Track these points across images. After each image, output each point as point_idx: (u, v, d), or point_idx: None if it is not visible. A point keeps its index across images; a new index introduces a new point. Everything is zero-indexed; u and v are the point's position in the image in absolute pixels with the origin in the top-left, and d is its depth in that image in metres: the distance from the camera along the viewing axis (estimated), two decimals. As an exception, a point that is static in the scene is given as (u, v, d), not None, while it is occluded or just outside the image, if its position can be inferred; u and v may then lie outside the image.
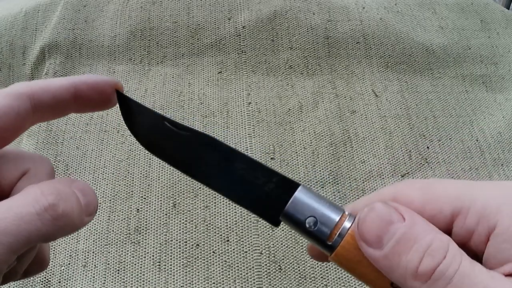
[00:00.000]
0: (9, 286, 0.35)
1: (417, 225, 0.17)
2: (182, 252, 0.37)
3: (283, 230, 0.38)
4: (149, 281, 0.35)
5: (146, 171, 0.41)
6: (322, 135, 0.43)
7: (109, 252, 0.37)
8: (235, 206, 0.39)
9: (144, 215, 0.38)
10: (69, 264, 0.36)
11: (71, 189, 0.18)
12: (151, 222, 0.38)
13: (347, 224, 0.19)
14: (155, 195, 0.39)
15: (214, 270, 0.36)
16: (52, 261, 0.37)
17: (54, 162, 0.41)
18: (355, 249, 0.18)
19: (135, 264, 0.36)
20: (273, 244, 0.37)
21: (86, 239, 0.37)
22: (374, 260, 0.17)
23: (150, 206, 0.39)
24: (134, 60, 0.48)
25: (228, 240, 0.37)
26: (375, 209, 0.18)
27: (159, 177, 0.40)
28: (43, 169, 0.19)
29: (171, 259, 0.36)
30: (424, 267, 0.16)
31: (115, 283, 0.35)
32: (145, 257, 0.37)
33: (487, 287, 0.15)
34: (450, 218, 0.17)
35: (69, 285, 0.35)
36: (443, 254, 0.16)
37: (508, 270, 0.16)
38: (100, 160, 0.41)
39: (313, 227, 0.19)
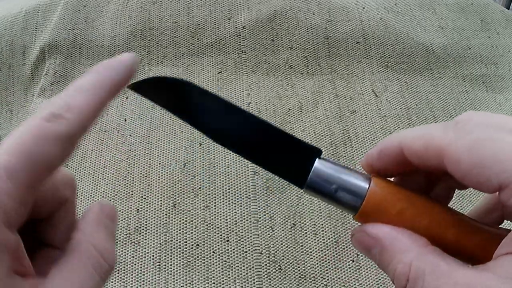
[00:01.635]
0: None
1: (386, 251, 0.18)
2: (182, 252, 0.37)
3: (283, 230, 0.38)
4: (149, 281, 0.35)
5: (146, 171, 0.41)
6: (322, 135, 0.43)
7: (109, 252, 0.37)
8: (235, 206, 0.39)
9: (144, 215, 0.38)
10: (69, 264, 0.36)
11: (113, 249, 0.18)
12: (151, 222, 0.38)
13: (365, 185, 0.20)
14: (155, 195, 0.39)
15: (214, 270, 0.36)
16: (52, 261, 0.37)
17: (54, 162, 0.41)
18: (377, 207, 0.19)
19: (135, 264, 0.36)
20: (273, 244, 0.37)
21: (86, 239, 0.37)
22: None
23: (150, 206, 0.39)
24: (134, 60, 0.48)
25: (228, 240, 0.37)
26: (354, 239, 0.20)
27: (159, 177, 0.40)
28: (75, 195, 0.19)
29: (171, 259, 0.36)
30: (397, 286, 0.18)
31: (115, 283, 0.35)
32: (145, 257, 0.36)
33: None
34: (496, 188, 0.17)
35: (69, 285, 0.35)
36: (405, 280, 0.17)
37: (505, 250, 0.16)
38: (100, 160, 0.41)
39: (337, 193, 0.20)
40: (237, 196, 0.39)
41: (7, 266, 0.14)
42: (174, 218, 0.38)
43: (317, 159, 0.21)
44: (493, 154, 0.16)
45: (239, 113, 0.21)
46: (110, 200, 0.39)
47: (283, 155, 0.21)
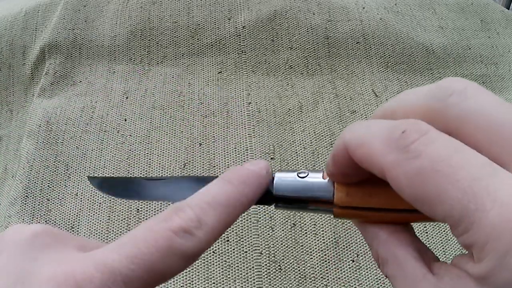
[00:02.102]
0: None
1: (366, 233, 0.19)
2: (182, 252, 0.37)
3: (283, 230, 0.38)
4: (149, 281, 0.35)
5: (146, 171, 0.41)
6: (322, 135, 0.43)
7: (109, 252, 0.37)
8: (235, 206, 0.39)
9: (144, 215, 0.38)
10: (69, 264, 0.36)
11: None
12: (151, 222, 0.38)
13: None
14: (155, 195, 0.39)
15: (214, 270, 0.36)
16: (52, 261, 0.37)
17: (54, 162, 0.41)
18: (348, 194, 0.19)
19: (135, 264, 0.36)
20: (273, 244, 0.37)
21: (86, 239, 0.37)
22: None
23: (150, 206, 0.39)
24: (134, 60, 0.48)
25: (228, 240, 0.37)
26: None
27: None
28: None
29: (171, 259, 0.36)
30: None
31: (115, 283, 0.35)
32: (145, 257, 0.37)
33: None
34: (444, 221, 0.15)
35: (69, 285, 0.35)
36: (377, 262, 0.18)
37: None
38: (100, 160, 0.41)
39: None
40: (237, 196, 0.39)
41: None
42: (174, 218, 0.38)
43: (275, 174, 0.20)
44: (437, 192, 0.14)
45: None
46: (110, 200, 0.39)
47: None
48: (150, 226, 0.15)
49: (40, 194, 0.40)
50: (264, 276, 0.36)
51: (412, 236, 0.18)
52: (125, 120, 0.44)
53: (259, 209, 0.39)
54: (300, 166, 0.41)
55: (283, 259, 0.36)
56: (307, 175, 0.20)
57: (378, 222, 0.18)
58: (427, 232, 0.39)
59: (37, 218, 0.38)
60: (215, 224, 0.15)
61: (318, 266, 0.36)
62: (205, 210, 0.15)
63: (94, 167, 0.41)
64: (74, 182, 0.40)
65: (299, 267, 0.36)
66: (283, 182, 0.20)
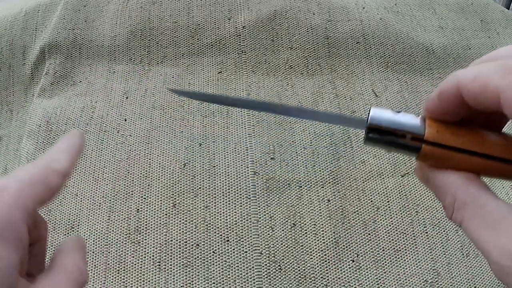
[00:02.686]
0: None
1: (440, 187, 0.20)
2: (182, 252, 0.37)
3: (283, 230, 0.38)
4: (149, 281, 0.35)
5: (146, 171, 0.41)
6: (322, 135, 0.43)
7: (109, 252, 0.37)
8: (235, 206, 0.39)
9: (144, 215, 0.38)
10: (69, 264, 0.36)
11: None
12: (151, 222, 0.38)
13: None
14: (155, 195, 0.39)
15: (214, 270, 0.36)
16: (52, 261, 0.37)
17: (54, 162, 0.41)
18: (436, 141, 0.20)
19: (135, 264, 0.36)
20: (273, 244, 0.37)
21: (86, 239, 0.37)
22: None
23: (150, 206, 0.39)
24: (134, 60, 0.48)
25: (228, 240, 0.37)
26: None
27: (159, 177, 0.40)
28: (47, 236, 0.24)
29: (171, 259, 0.36)
30: (447, 215, 0.20)
31: (115, 283, 0.35)
32: (145, 257, 0.36)
33: (480, 242, 0.18)
34: None
35: (69, 285, 0.35)
36: (451, 210, 0.19)
37: None
38: (100, 160, 0.41)
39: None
40: (237, 196, 0.39)
41: (18, 259, 0.17)
42: (174, 218, 0.38)
43: (371, 108, 0.21)
44: None
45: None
46: (110, 200, 0.39)
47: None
48: (36, 161, 0.21)
49: (40, 194, 0.40)
50: (264, 276, 0.36)
51: (485, 183, 0.20)
52: (125, 120, 0.44)
53: (259, 209, 0.39)
54: (300, 166, 0.41)
55: (283, 259, 0.36)
56: (400, 112, 0.21)
57: (457, 168, 0.20)
58: (427, 232, 0.39)
59: (37, 218, 0.39)
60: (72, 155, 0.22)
61: (318, 266, 0.36)
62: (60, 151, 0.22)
63: (94, 167, 0.41)
64: (74, 182, 0.40)
65: (299, 267, 0.36)
66: (378, 114, 0.21)
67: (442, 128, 0.20)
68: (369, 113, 0.21)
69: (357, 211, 0.39)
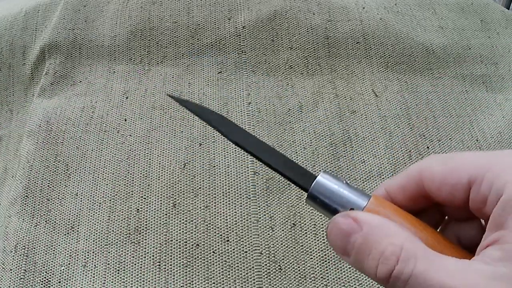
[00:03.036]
0: (9, 287, 0.35)
1: (372, 232, 0.18)
2: (182, 252, 0.37)
3: (283, 230, 0.38)
4: (149, 281, 0.35)
5: (146, 171, 0.41)
6: (322, 135, 0.43)
7: (109, 252, 0.37)
8: (235, 206, 0.39)
9: (144, 215, 0.38)
10: (69, 264, 0.36)
11: None
12: (151, 222, 0.38)
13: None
14: (155, 195, 0.39)
15: (214, 270, 0.36)
16: (52, 261, 0.37)
17: (54, 162, 0.41)
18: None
19: (135, 264, 0.36)
20: (273, 244, 0.37)
21: (86, 239, 0.37)
22: (349, 263, 0.20)
23: (150, 206, 0.39)
24: (134, 60, 0.48)
25: (228, 240, 0.37)
26: (335, 222, 0.20)
27: (159, 177, 0.40)
28: None
29: (171, 259, 0.36)
30: (380, 273, 0.18)
31: (115, 283, 0.35)
32: (145, 257, 0.36)
33: (443, 285, 0.16)
34: (467, 186, 0.19)
35: (69, 285, 0.35)
36: (395, 260, 0.17)
37: (493, 238, 0.17)
38: (100, 160, 0.41)
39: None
40: (237, 196, 0.39)
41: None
42: (174, 218, 0.38)
43: (320, 174, 0.21)
44: (457, 163, 0.19)
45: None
46: (110, 200, 0.39)
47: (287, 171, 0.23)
48: None
49: (40, 194, 0.40)
50: (264, 276, 0.36)
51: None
52: (125, 120, 0.44)
53: (259, 209, 0.39)
54: (300, 166, 0.41)
55: (283, 259, 0.36)
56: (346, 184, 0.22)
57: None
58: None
59: (37, 218, 0.39)
60: None
61: (318, 266, 0.36)
62: None
63: (94, 167, 0.41)
64: (74, 182, 0.40)
65: (299, 267, 0.36)
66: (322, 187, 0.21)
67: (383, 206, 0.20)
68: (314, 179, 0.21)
69: (357, 211, 0.39)
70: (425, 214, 0.22)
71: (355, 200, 0.20)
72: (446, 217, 0.23)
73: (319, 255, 0.37)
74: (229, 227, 0.38)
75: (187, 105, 0.26)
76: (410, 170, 0.21)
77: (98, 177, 0.40)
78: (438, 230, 0.23)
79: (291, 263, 0.36)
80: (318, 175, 0.21)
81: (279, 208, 0.39)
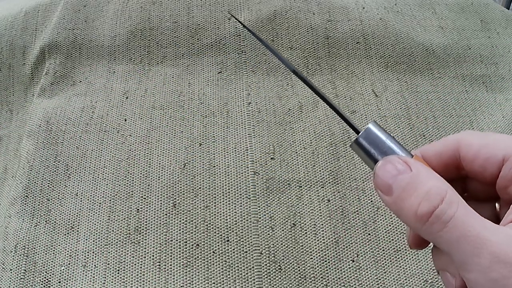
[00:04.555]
0: (9, 287, 0.35)
1: (420, 175, 0.19)
2: (182, 252, 0.37)
3: (283, 230, 0.38)
4: (149, 281, 0.35)
5: (146, 171, 0.41)
6: (322, 135, 0.43)
7: (109, 252, 0.37)
8: (235, 206, 0.39)
9: (144, 215, 0.38)
10: (69, 264, 0.36)
11: None
12: (151, 222, 0.38)
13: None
14: (155, 195, 0.39)
15: (214, 270, 0.36)
16: (52, 261, 0.37)
17: (54, 162, 0.41)
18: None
19: (135, 264, 0.36)
20: (273, 244, 0.37)
21: (86, 239, 0.37)
22: (387, 204, 0.20)
23: (150, 206, 0.39)
24: (134, 60, 0.48)
25: (228, 240, 0.37)
26: (387, 160, 0.21)
27: (159, 177, 0.40)
28: None
29: (171, 259, 0.36)
30: (422, 210, 0.18)
31: (115, 283, 0.35)
32: (145, 257, 0.36)
33: (479, 235, 0.17)
34: (500, 162, 0.20)
35: (69, 285, 0.35)
36: (439, 200, 0.18)
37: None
38: (100, 160, 0.41)
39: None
40: (237, 196, 0.39)
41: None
42: (174, 218, 0.38)
43: (371, 122, 0.23)
44: (495, 139, 0.21)
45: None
46: (110, 200, 0.39)
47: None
48: None
49: (40, 194, 0.40)
50: (264, 276, 0.36)
51: None
52: (125, 120, 0.44)
53: (259, 209, 0.39)
54: (300, 166, 0.41)
55: (283, 259, 0.36)
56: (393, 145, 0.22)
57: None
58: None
59: (37, 218, 0.39)
60: None
61: (318, 266, 0.36)
62: None
63: (94, 167, 0.41)
64: (74, 182, 0.40)
65: (299, 267, 0.36)
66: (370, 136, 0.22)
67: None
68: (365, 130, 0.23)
69: (357, 211, 0.39)
70: None
71: (400, 153, 0.22)
72: (466, 194, 0.24)
73: (319, 255, 0.37)
74: (229, 227, 0.38)
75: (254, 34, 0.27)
76: (448, 139, 0.22)
77: (98, 177, 0.40)
78: None
79: (291, 263, 0.36)
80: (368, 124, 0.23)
81: (279, 208, 0.39)
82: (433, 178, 0.19)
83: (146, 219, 0.38)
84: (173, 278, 0.36)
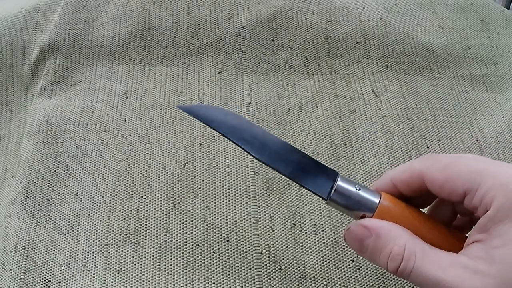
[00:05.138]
0: (9, 287, 0.35)
1: (381, 238, 0.24)
2: (182, 252, 0.37)
3: (283, 230, 0.38)
4: (149, 281, 0.35)
5: (146, 171, 0.41)
6: (322, 135, 0.43)
7: (109, 252, 0.37)
8: (235, 206, 0.39)
9: (144, 215, 0.38)
10: (69, 264, 0.36)
11: None
12: (151, 222, 0.38)
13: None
14: (155, 195, 0.39)
15: (214, 270, 0.36)
16: (52, 261, 0.37)
17: (54, 162, 0.41)
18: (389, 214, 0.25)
19: (135, 264, 0.36)
20: (273, 244, 0.37)
21: (86, 239, 0.37)
22: (364, 258, 0.26)
23: (150, 206, 0.39)
24: (134, 60, 0.48)
25: (228, 240, 0.37)
26: (350, 231, 0.25)
27: (159, 177, 0.40)
28: None
29: (171, 259, 0.36)
30: (390, 267, 0.23)
31: (115, 283, 0.35)
32: (145, 257, 0.37)
33: (435, 278, 0.21)
34: (463, 195, 0.23)
35: (69, 285, 0.35)
36: (400, 259, 0.23)
37: (478, 238, 0.22)
38: (100, 160, 0.41)
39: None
40: (237, 196, 0.39)
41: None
42: (174, 218, 0.38)
43: (339, 177, 0.26)
44: (458, 172, 0.23)
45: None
46: (110, 200, 0.39)
47: (308, 174, 0.26)
48: None
49: (40, 194, 0.40)
50: (264, 276, 0.36)
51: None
52: (125, 120, 0.44)
53: (259, 209, 0.39)
54: (300, 166, 0.41)
55: (283, 259, 0.36)
56: (360, 189, 0.26)
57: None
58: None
59: (37, 218, 0.39)
60: None
61: (318, 266, 0.36)
62: None
63: (94, 167, 0.41)
64: (74, 182, 0.40)
65: (299, 267, 0.36)
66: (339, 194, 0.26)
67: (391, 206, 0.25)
68: (334, 185, 0.26)
69: (357, 211, 0.39)
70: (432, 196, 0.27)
71: (369, 200, 0.25)
72: None
73: (319, 255, 0.37)
74: (229, 227, 0.38)
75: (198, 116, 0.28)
76: (414, 169, 0.25)
77: (98, 177, 0.40)
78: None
79: (291, 263, 0.36)
80: (336, 180, 0.26)
81: (279, 208, 0.39)
82: (392, 237, 0.23)
83: (146, 219, 0.38)
84: (173, 278, 0.36)
